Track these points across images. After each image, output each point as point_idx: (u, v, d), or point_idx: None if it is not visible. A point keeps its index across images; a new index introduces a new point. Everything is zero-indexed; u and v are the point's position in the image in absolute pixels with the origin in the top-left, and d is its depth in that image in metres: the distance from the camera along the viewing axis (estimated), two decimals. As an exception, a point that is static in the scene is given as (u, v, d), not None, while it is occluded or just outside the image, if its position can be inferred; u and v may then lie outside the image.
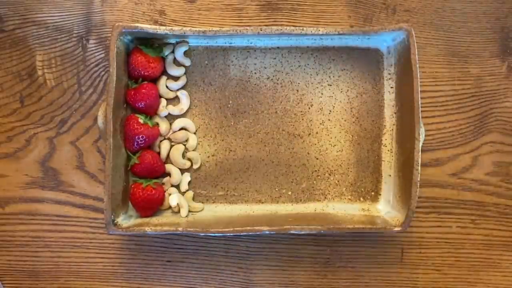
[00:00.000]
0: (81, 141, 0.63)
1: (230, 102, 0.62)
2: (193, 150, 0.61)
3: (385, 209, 0.61)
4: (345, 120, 0.62)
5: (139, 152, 0.59)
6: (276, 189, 0.62)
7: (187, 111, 0.62)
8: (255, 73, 0.62)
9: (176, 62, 0.61)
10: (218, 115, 0.62)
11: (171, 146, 0.61)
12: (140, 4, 0.63)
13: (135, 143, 0.58)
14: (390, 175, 0.62)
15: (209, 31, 0.57)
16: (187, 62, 0.61)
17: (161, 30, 0.56)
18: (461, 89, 0.64)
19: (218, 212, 0.61)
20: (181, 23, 0.63)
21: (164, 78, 0.61)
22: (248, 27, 0.57)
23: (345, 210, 0.62)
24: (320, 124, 0.62)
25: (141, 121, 0.58)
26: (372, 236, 0.63)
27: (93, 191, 0.63)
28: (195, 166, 0.61)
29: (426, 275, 0.64)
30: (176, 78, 0.61)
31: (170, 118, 0.61)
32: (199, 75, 0.62)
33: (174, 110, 0.61)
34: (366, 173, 0.62)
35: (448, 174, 0.64)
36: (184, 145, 0.61)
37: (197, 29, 0.57)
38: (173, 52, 0.61)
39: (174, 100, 0.62)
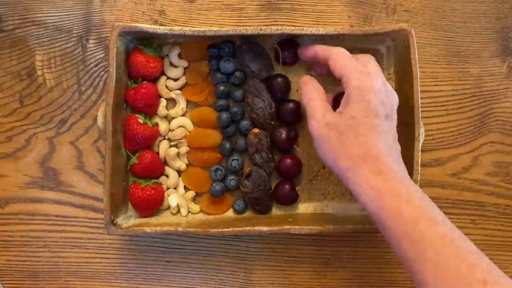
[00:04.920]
0: (81, 141, 0.63)
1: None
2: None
3: (385, 209, 0.61)
4: (345, 120, 0.62)
5: (139, 152, 0.59)
6: (276, 189, 0.62)
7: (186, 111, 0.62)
8: (255, 73, 0.62)
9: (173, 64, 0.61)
10: (218, 115, 0.62)
11: (170, 146, 0.61)
12: (140, 4, 0.63)
13: (135, 143, 0.58)
14: (390, 175, 0.61)
15: (209, 31, 0.56)
16: (184, 63, 0.61)
17: (161, 30, 0.56)
18: (461, 89, 0.64)
19: (218, 212, 0.61)
20: (181, 23, 0.63)
21: (164, 78, 0.61)
22: (248, 27, 0.57)
23: (345, 210, 0.62)
24: (320, 124, 0.62)
25: (140, 121, 0.58)
26: (372, 236, 0.63)
27: (92, 191, 0.63)
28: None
29: (426, 275, 0.63)
30: (175, 78, 0.61)
31: (170, 118, 0.61)
32: (199, 75, 0.62)
33: (176, 112, 0.60)
34: (366, 173, 0.62)
35: (448, 174, 0.64)
36: (182, 143, 0.61)
37: (197, 29, 0.56)
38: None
39: (170, 102, 0.61)
